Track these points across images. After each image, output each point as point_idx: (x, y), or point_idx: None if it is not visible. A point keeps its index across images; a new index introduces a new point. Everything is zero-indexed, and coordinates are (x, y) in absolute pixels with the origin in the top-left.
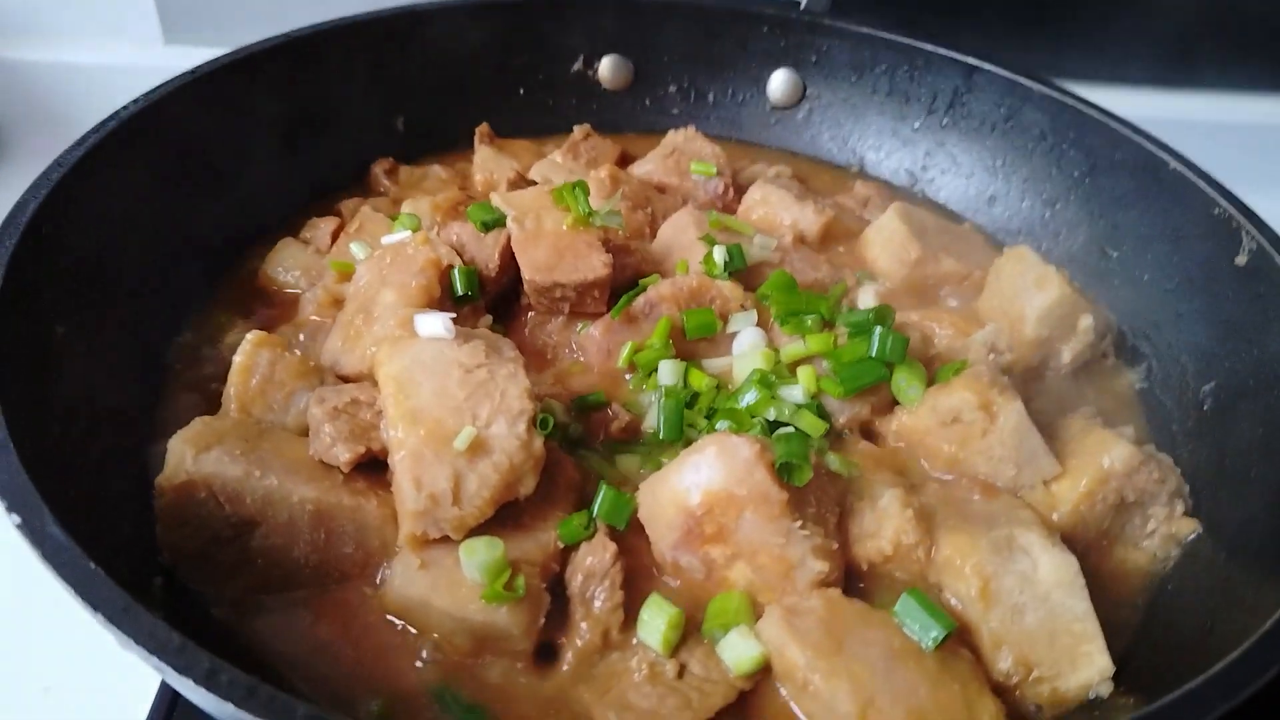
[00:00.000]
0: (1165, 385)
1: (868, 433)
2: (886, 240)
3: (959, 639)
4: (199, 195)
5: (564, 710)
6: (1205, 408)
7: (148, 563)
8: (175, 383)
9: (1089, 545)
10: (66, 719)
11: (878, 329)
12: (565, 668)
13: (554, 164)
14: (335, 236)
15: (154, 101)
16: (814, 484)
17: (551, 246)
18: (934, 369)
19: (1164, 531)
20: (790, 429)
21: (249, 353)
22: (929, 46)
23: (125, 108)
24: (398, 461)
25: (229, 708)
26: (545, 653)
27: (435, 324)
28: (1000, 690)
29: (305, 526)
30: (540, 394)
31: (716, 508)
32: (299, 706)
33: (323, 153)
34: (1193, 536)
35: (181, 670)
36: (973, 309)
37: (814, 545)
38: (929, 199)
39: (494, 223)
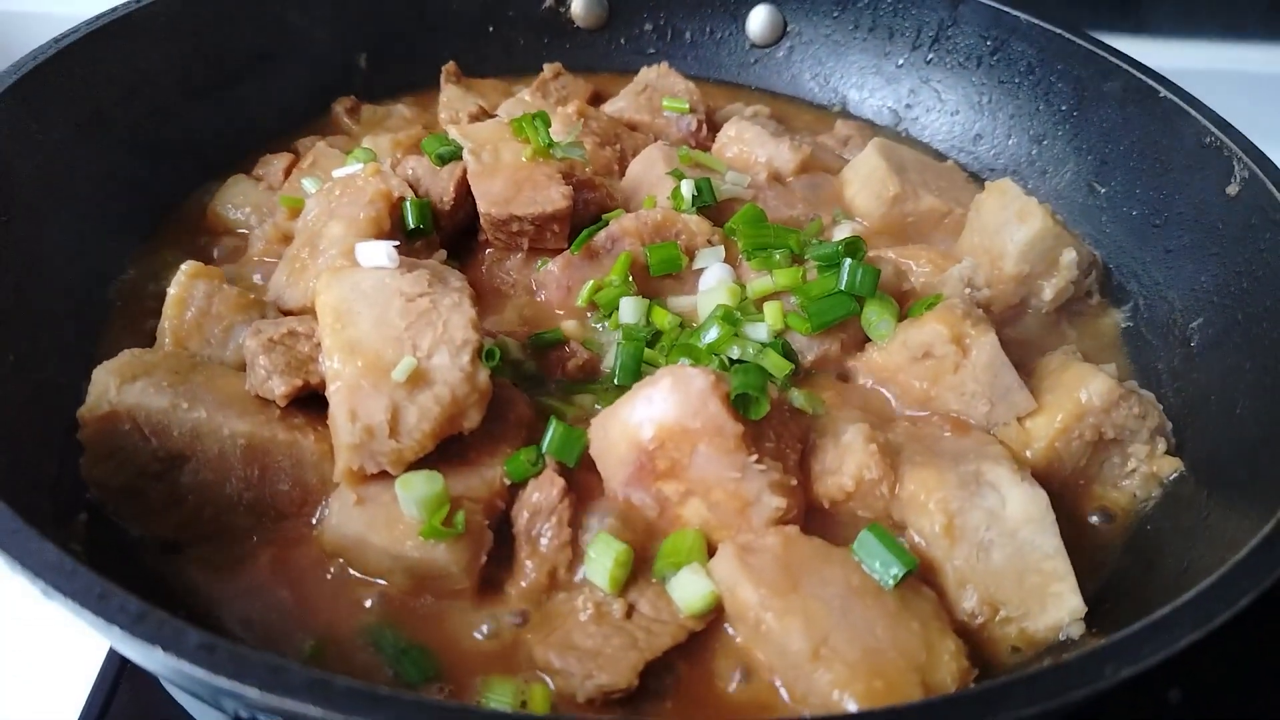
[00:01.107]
0: (1151, 324)
1: (838, 372)
2: (865, 177)
3: (922, 578)
4: (146, 131)
5: (495, 650)
6: (1193, 344)
7: (74, 500)
8: (116, 320)
9: (1065, 484)
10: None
11: (847, 261)
12: (507, 608)
13: (522, 102)
14: (288, 173)
15: (99, 28)
16: (774, 419)
17: (509, 179)
18: (907, 305)
19: (1145, 470)
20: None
21: (184, 284)
22: None
23: (64, 35)
24: (333, 393)
25: (114, 630)
26: (492, 593)
27: (378, 252)
28: (965, 631)
29: (238, 462)
30: (494, 330)
31: (669, 442)
32: (192, 634)
33: (279, 90)
34: (1174, 476)
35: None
36: (953, 247)
37: (771, 481)
38: (913, 138)
39: (450, 155)
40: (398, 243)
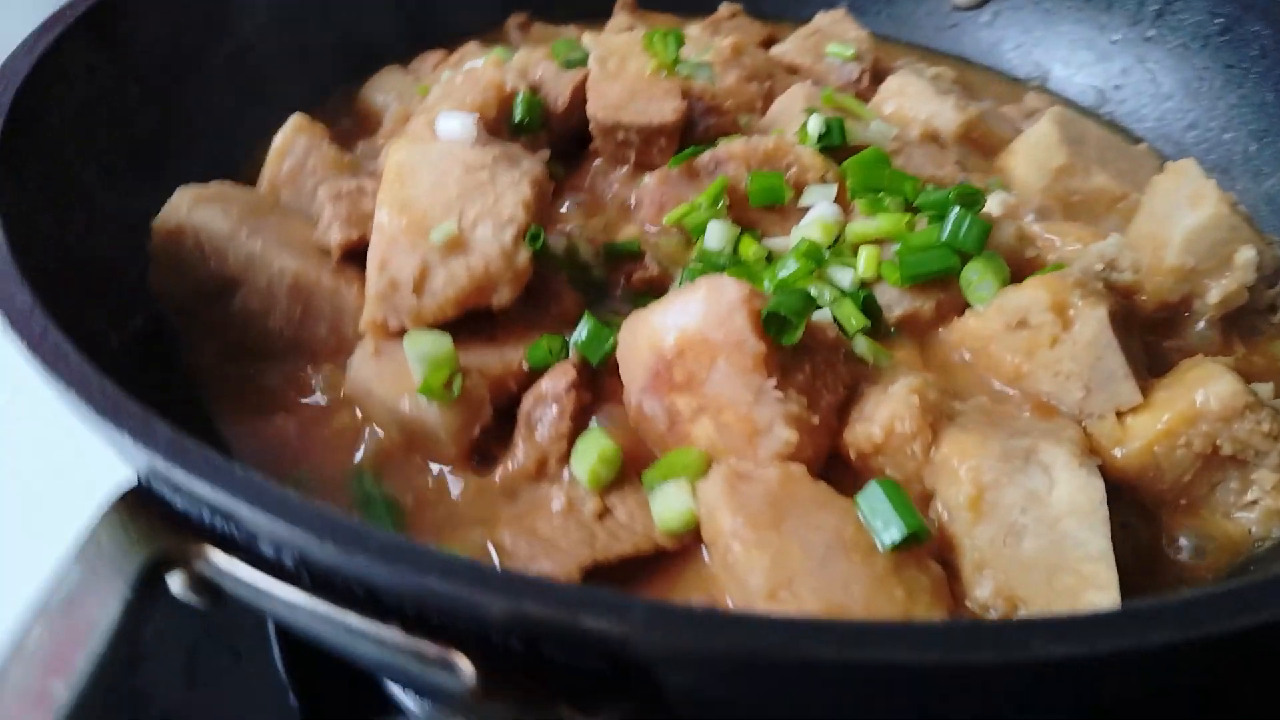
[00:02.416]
0: None
1: (927, 335)
2: (1033, 145)
3: (934, 552)
4: (343, 27)
5: (469, 524)
6: None
7: (134, 306)
8: (243, 177)
9: (1161, 500)
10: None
11: (954, 210)
12: (489, 486)
13: (690, 37)
14: (437, 67)
15: None
16: (819, 354)
17: (626, 88)
18: (1026, 275)
19: (1269, 504)
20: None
21: (288, 135)
22: None
23: None
24: (373, 244)
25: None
26: (482, 468)
27: (455, 123)
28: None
29: (283, 297)
30: (576, 233)
31: (690, 351)
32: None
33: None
34: None
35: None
36: (1124, 235)
37: (787, 412)
38: (1115, 123)
39: (577, 61)
40: (477, 115)
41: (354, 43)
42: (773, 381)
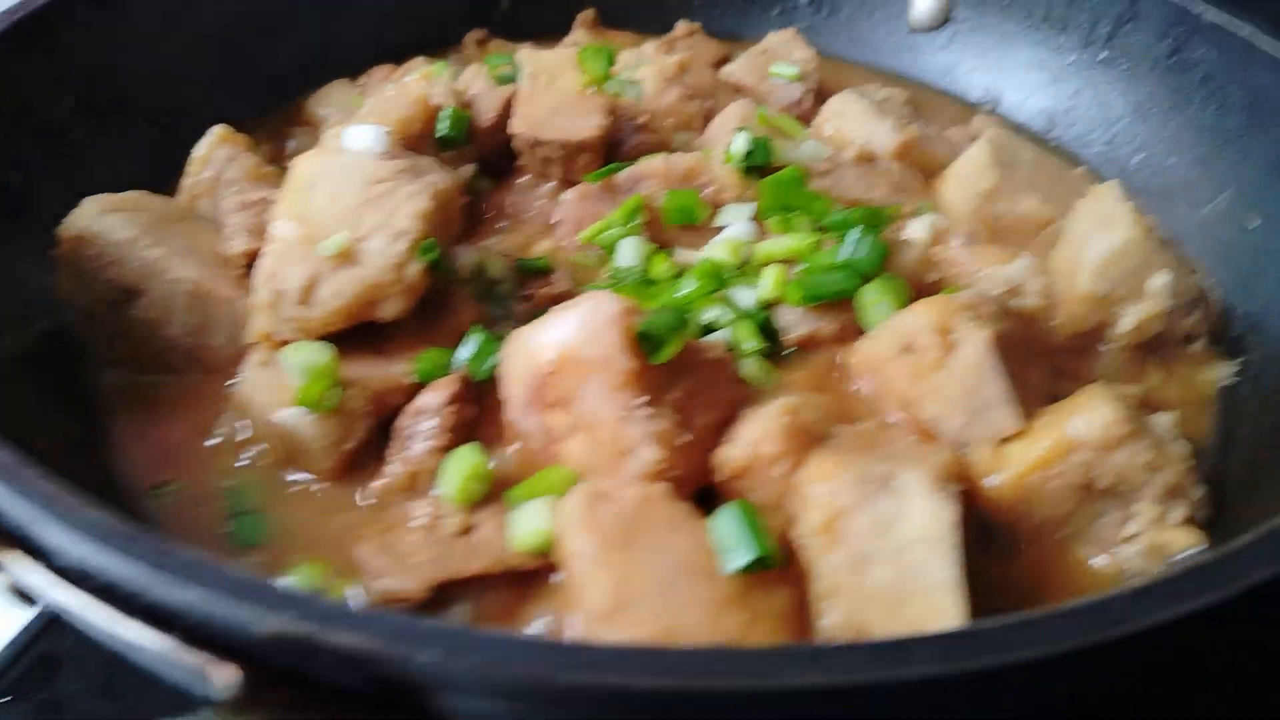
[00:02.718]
0: (1258, 386)
1: (831, 360)
2: (964, 169)
3: (787, 578)
4: (280, 33)
5: (331, 539)
6: None
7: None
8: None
9: (1039, 533)
10: None
11: (854, 231)
12: (362, 501)
13: (642, 55)
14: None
15: None
16: (700, 374)
17: (552, 104)
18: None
19: (1150, 539)
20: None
21: (210, 145)
22: None
23: None
24: (264, 255)
25: None
26: (358, 483)
27: (364, 135)
28: None
29: (181, 307)
30: (495, 248)
31: (565, 368)
32: None
33: (422, 13)
34: (1186, 555)
35: None
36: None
37: (654, 430)
38: (1063, 147)
39: (510, 77)
40: (386, 128)
41: (318, 54)
42: (642, 400)
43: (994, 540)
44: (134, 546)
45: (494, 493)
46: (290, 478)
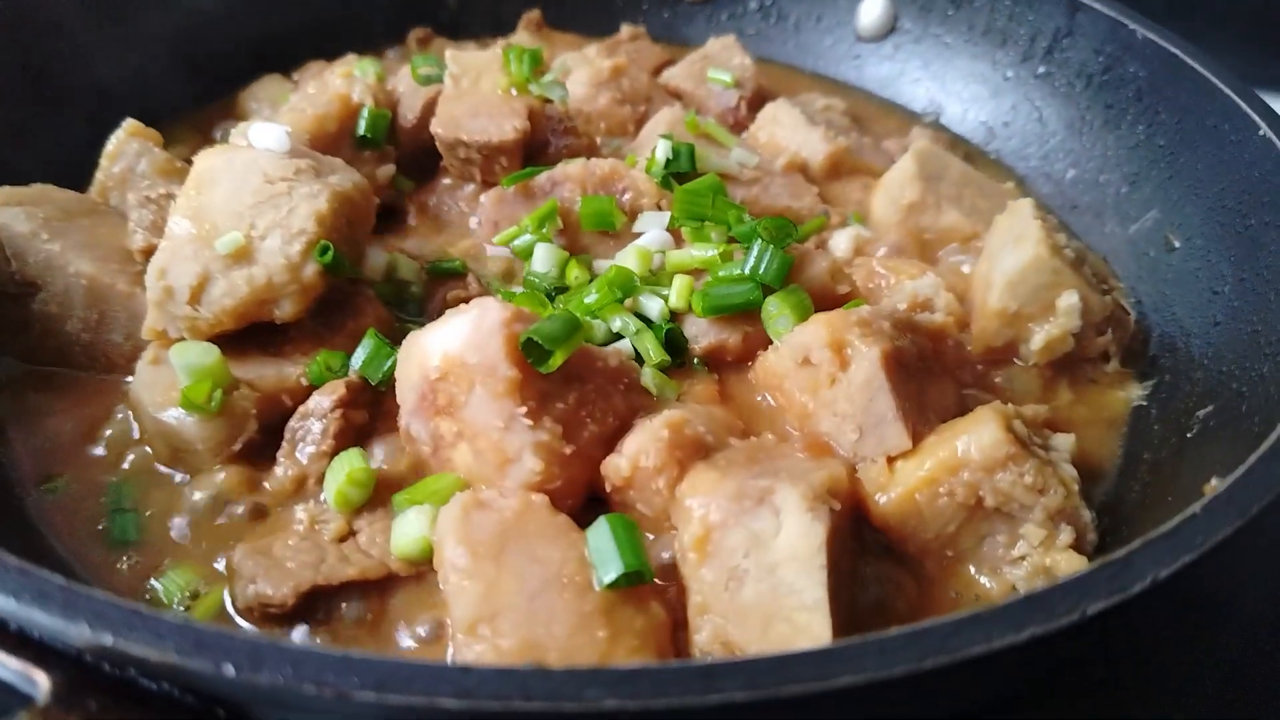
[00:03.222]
0: (1166, 407)
1: (739, 369)
2: (890, 181)
3: (662, 595)
4: (244, 29)
5: (213, 541)
6: (1188, 435)
7: None
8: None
9: (925, 551)
10: None
11: (756, 244)
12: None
13: (582, 57)
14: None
15: None
16: (591, 382)
17: (472, 105)
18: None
19: (1036, 561)
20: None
21: (121, 139)
22: None
23: None
24: (158, 251)
25: None
26: (244, 485)
27: (268, 134)
28: None
29: (79, 303)
30: (407, 250)
31: (452, 375)
32: None
33: (365, 10)
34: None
35: None
36: (970, 273)
37: (536, 441)
38: (1000, 161)
39: (434, 78)
40: (291, 129)
41: (258, 46)
42: (523, 409)
43: (888, 555)
44: None
45: (382, 498)
46: (176, 478)
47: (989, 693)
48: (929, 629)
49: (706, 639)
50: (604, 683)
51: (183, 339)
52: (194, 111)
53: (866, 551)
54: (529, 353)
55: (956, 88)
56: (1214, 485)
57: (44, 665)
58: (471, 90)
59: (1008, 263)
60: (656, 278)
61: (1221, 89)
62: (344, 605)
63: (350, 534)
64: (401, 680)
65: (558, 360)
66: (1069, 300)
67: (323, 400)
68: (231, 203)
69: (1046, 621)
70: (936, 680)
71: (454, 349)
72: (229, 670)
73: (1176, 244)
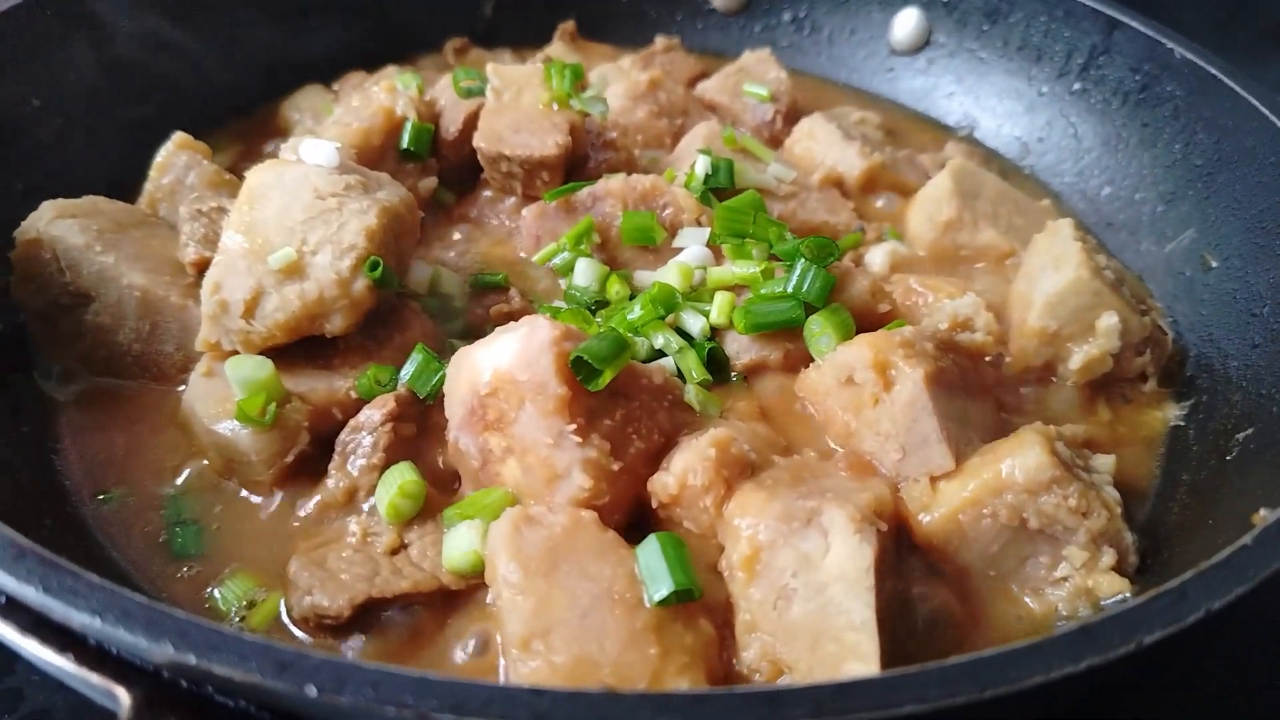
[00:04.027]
0: (1204, 428)
1: (780, 386)
2: (927, 198)
3: (710, 612)
4: (283, 45)
5: (267, 552)
6: (1228, 459)
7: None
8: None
9: (969, 570)
10: None
11: (800, 262)
12: (301, 513)
13: (619, 69)
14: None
15: None
16: (637, 399)
17: (514, 119)
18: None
19: (1078, 583)
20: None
21: (170, 152)
22: None
23: None
24: (212, 265)
25: None
26: (297, 496)
27: (319, 150)
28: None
29: (132, 313)
30: (450, 262)
31: (502, 391)
32: None
33: (401, 21)
34: (1118, 600)
35: None
36: (1006, 292)
37: (586, 458)
38: (1034, 177)
39: (476, 91)
40: (340, 145)
41: (297, 56)
42: (572, 427)
43: (931, 574)
44: (21, 566)
45: (432, 511)
46: (231, 489)
47: (1038, 715)
48: (990, 659)
49: (754, 656)
50: (674, 708)
51: (235, 351)
52: (236, 120)
53: (910, 570)
54: (578, 370)
55: (991, 103)
56: (1263, 516)
57: (124, 681)
58: (513, 104)
59: (1048, 283)
60: (697, 293)
61: (1261, 110)
62: (394, 616)
63: (402, 546)
64: (479, 703)
65: (606, 378)
66: (1109, 321)
67: (373, 414)
68: (283, 218)
69: (1104, 652)
70: (994, 708)
71: (504, 366)
72: (311, 691)
73: (1214, 264)
